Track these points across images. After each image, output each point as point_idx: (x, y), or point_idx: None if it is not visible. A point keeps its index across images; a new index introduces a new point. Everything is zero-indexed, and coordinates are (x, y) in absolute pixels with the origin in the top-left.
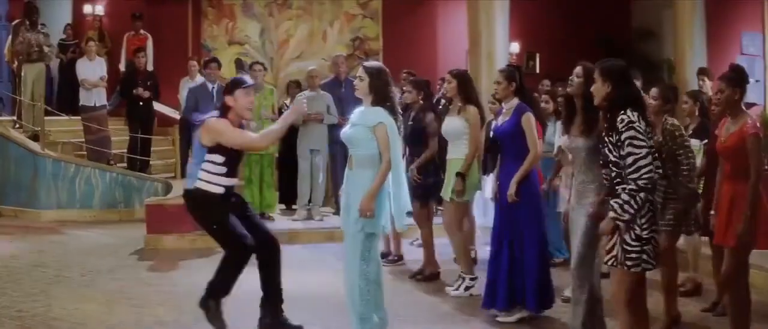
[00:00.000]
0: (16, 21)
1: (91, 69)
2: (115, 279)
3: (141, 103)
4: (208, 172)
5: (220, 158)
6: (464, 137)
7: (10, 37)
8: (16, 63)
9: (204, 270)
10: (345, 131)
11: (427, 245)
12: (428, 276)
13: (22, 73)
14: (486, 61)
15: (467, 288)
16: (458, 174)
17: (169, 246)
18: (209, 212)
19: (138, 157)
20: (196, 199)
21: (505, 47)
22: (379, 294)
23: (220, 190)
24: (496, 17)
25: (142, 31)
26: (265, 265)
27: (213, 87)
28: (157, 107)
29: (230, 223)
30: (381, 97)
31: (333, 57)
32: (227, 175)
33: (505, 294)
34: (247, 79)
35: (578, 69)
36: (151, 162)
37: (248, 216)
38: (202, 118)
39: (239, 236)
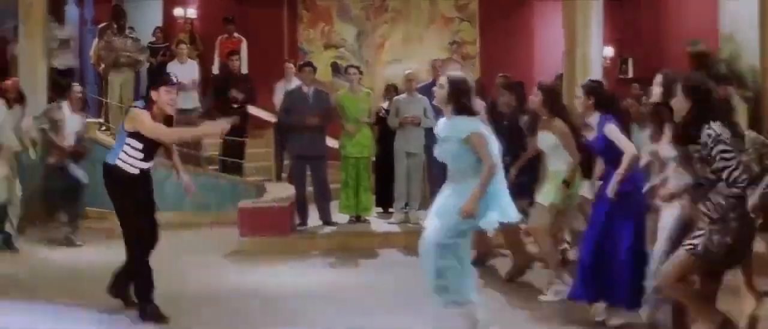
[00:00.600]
0: (103, 25)
1: (183, 72)
2: (204, 281)
3: (235, 106)
4: (127, 154)
5: (138, 144)
6: (559, 150)
7: (96, 40)
8: (102, 66)
9: (296, 272)
10: (437, 151)
11: (517, 244)
12: (519, 272)
13: (110, 78)
14: (581, 64)
15: (557, 293)
16: (564, 181)
17: (262, 249)
18: (121, 189)
19: (231, 160)
20: (113, 175)
21: (599, 51)
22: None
23: (136, 171)
24: (591, 20)
25: (235, 35)
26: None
27: (308, 91)
28: (252, 110)
29: (135, 208)
30: (460, 106)
31: (431, 61)
32: (144, 159)
33: (592, 291)
34: (172, 78)
35: (658, 77)
36: (245, 165)
37: (150, 204)
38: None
39: (138, 224)
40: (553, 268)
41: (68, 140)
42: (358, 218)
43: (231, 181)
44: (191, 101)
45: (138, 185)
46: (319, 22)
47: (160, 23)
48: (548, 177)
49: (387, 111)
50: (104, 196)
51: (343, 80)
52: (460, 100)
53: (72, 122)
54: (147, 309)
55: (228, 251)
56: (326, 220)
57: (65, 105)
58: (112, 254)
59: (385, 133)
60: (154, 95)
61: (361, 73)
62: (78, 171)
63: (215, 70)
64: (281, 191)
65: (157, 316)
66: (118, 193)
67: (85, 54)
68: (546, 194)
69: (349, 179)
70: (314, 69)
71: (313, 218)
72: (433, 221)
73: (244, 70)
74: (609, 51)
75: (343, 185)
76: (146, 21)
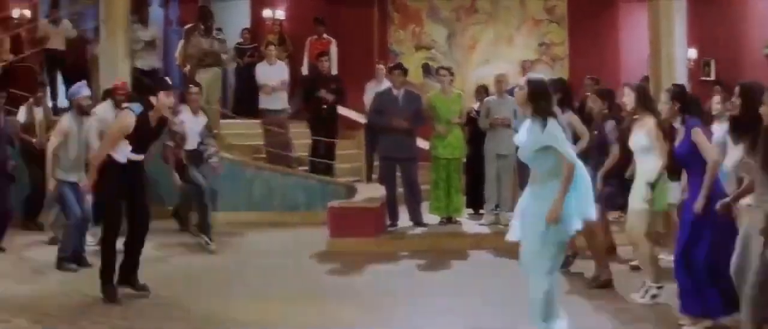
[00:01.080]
0: (189, 25)
1: (271, 73)
2: (294, 281)
3: (324, 106)
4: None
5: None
6: (650, 152)
7: (182, 41)
8: (188, 67)
9: (386, 272)
10: (520, 152)
11: (600, 251)
12: (602, 282)
13: (196, 78)
14: (666, 66)
15: (653, 297)
16: (648, 184)
17: (352, 249)
18: (108, 175)
19: (321, 160)
20: (103, 163)
21: (683, 52)
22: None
23: (123, 160)
24: (675, 22)
25: (325, 36)
26: (132, 236)
27: (399, 92)
28: (342, 111)
29: (117, 194)
30: (540, 108)
31: (521, 62)
32: (133, 151)
33: (695, 301)
34: (168, 82)
35: (737, 88)
36: (335, 166)
37: (138, 192)
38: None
39: (116, 209)
40: (648, 271)
41: (191, 143)
42: (448, 220)
43: (321, 181)
44: (280, 102)
45: (124, 173)
46: (409, 24)
47: (247, 24)
48: (638, 179)
49: (478, 112)
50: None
51: (433, 81)
52: (538, 102)
53: (193, 124)
54: (106, 290)
55: (317, 251)
56: (417, 221)
57: (184, 109)
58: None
59: (475, 134)
60: (152, 100)
61: (452, 74)
62: (198, 175)
63: (305, 71)
64: (371, 192)
65: (112, 298)
66: (105, 178)
67: (170, 55)
68: (638, 197)
69: (439, 180)
70: (405, 71)
71: (404, 220)
72: (525, 240)
73: (334, 71)
74: (692, 53)
75: (433, 187)
76: (233, 22)
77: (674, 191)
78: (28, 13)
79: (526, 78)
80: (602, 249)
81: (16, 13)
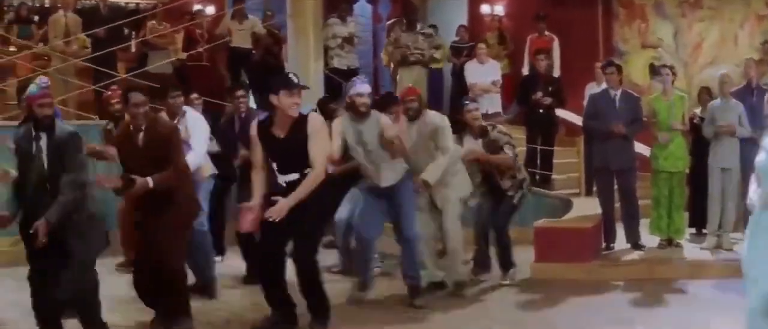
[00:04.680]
0: (392, 20)
1: (481, 73)
2: (485, 316)
3: (540, 110)
4: None
5: None
6: None
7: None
8: (392, 66)
9: (593, 307)
10: (759, 160)
11: None
12: None
13: (398, 77)
14: None
15: None
16: None
17: (558, 276)
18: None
19: (537, 170)
20: None
21: None
22: None
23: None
24: None
25: (546, 33)
26: None
27: (615, 94)
28: (562, 114)
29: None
30: None
31: (745, 60)
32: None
33: None
34: (293, 79)
35: None
36: (553, 176)
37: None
38: None
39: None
40: None
41: None
42: (668, 242)
43: (535, 194)
44: (491, 104)
45: None
46: (635, 20)
47: (464, 21)
48: None
49: (702, 118)
50: None
51: (659, 82)
52: None
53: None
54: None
55: (519, 278)
56: (634, 242)
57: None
58: None
59: (698, 143)
60: (273, 99)
61: (674, 73)
62: None
63: (525, 71)
64: (588, 208)
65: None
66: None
67: (379, 54)
68: None
69: (661, 196)
70: (618, 68)
71: (621, 239)
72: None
73: (557, 71)
74: None
75: (654, 203)
76: (450, 19)
77: None
78: (209, 9)
79: None
80: None
81: (196, 7)
